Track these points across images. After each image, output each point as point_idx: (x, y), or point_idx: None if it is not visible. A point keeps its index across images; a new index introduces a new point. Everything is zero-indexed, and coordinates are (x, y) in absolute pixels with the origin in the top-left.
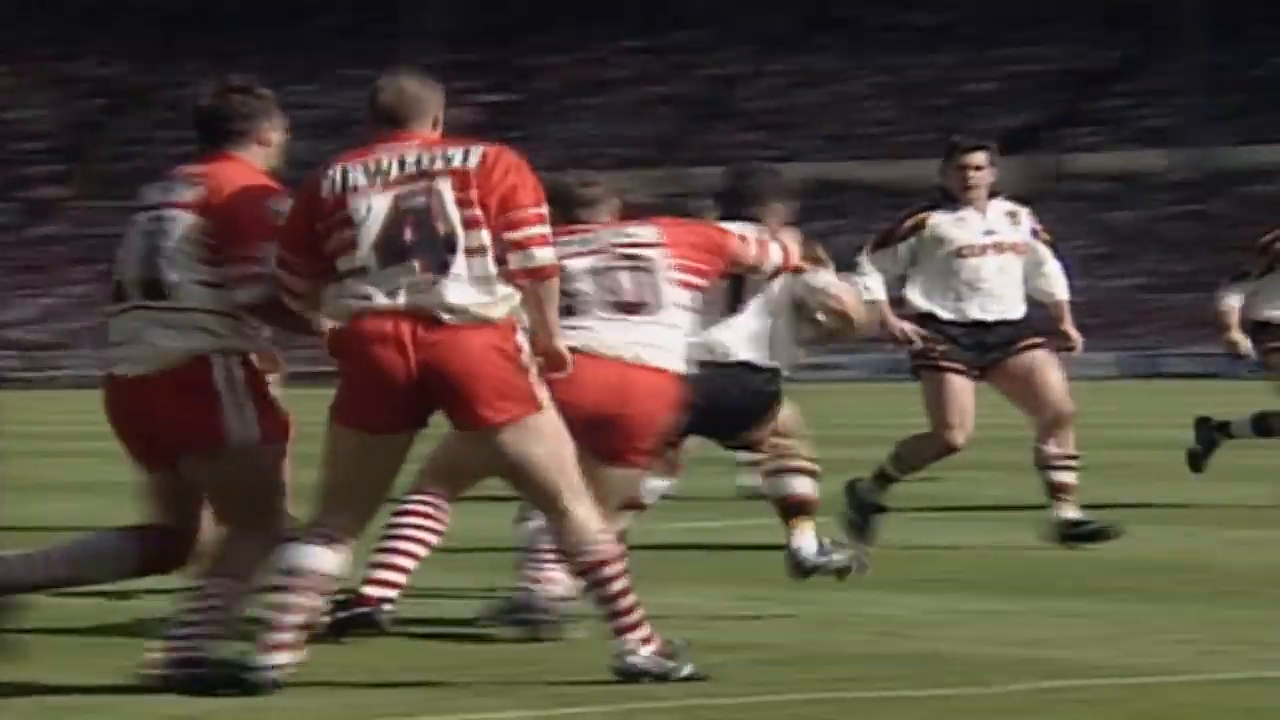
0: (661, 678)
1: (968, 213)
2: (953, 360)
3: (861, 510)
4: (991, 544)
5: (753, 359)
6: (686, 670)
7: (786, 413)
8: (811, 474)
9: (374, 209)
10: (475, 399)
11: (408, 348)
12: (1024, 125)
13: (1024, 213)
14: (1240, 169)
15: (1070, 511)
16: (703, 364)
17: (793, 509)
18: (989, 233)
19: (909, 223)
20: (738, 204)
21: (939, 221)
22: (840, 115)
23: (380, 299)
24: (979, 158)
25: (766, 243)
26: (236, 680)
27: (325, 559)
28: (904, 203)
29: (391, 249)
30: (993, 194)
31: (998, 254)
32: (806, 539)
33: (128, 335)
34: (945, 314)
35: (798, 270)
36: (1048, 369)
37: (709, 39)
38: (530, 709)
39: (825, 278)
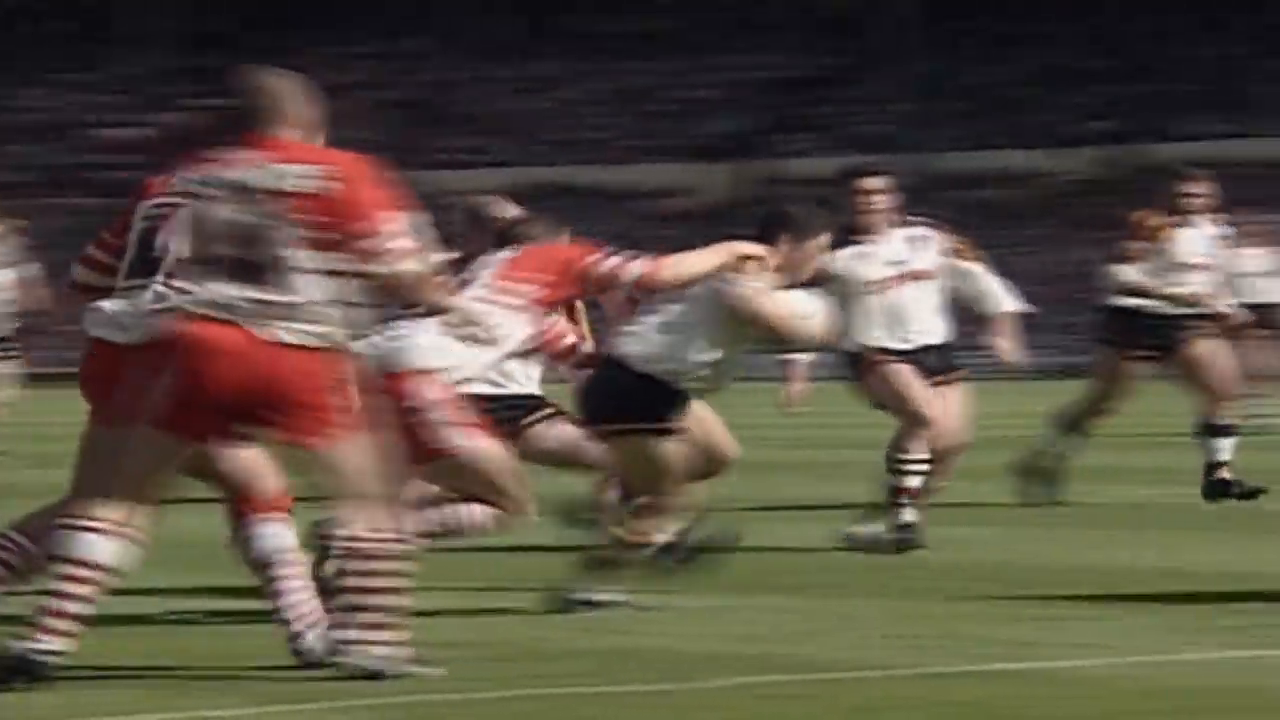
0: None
1: (869, 245)
2: (891, 357)
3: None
4: None
5: (632, 361)
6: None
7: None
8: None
9: (208, 220)
10: (286, 422)
11: (228, 363)
12: (742, 131)
13: (932, 237)
14: (955, 175)
15: (909, 515)
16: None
17: (603, 565)
18: (894, 262)
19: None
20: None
21: (840, 260)
22: (562, 121)
23: (205, 310)
24: (875, 183)
25: (626, 261)
26: (17, 667)
27: (110, 552)
28: (626, 207)
29: (212, 262)
30: (899, 223)
31: (905, 283)
32: (608, 593)
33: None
34: (870, 345)
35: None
36: (952, 402)
37: (431, 45)
38: (248, 706)
39: (749, 291)
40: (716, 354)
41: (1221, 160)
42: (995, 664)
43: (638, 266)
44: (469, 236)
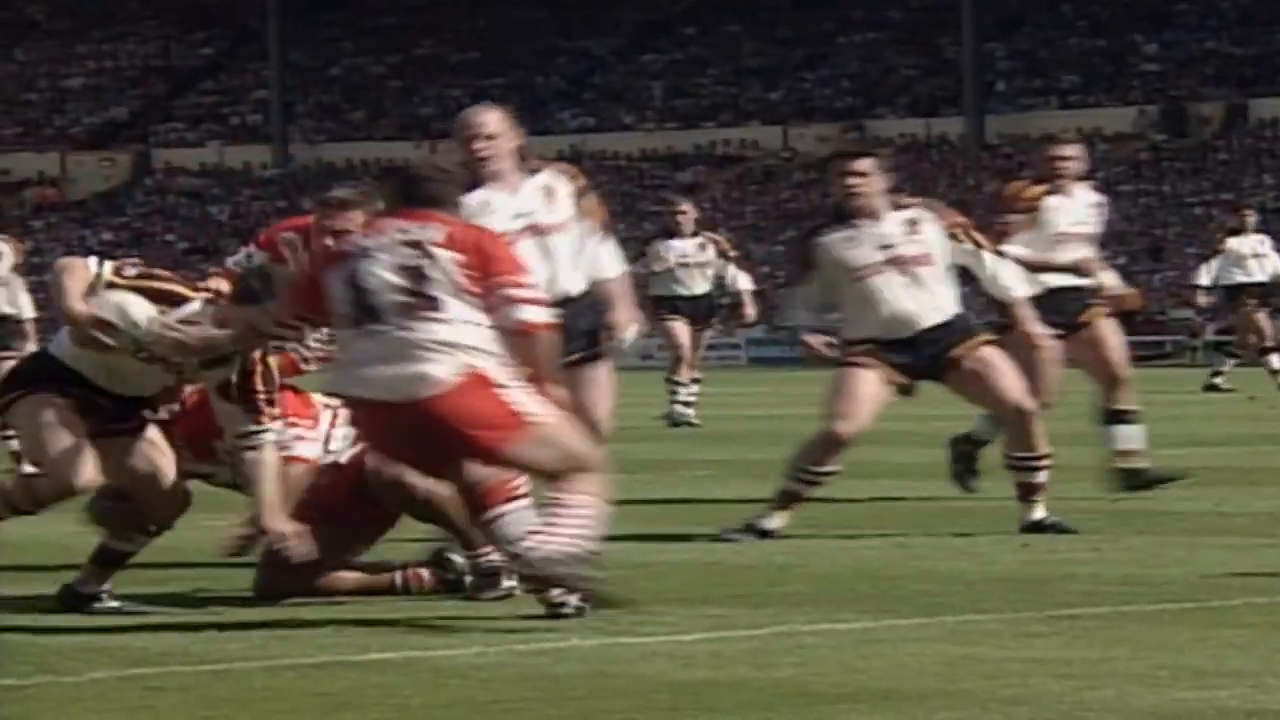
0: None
1: (860, 229)
2: (875, 360)
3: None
4: None
5: None
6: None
7: None
8: None
9: None
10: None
11: None
12: (113, 120)
13: (928, 218)
14: (323, 166)
15: (1038, 513)
16: None
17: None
18: (885, 247)
19: (805, 248)
20: None
21: (829, 243)
22: None
23: None
24: (862, 164)
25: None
26: None
27: None
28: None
29: None
30: (898, 205)
31: (897, 269)
32: None
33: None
34: (862, 334)
35: None
36: (996, 369)
37: None
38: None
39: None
40: None
41: (586, 153)
42: (370, 654)
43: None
44: None
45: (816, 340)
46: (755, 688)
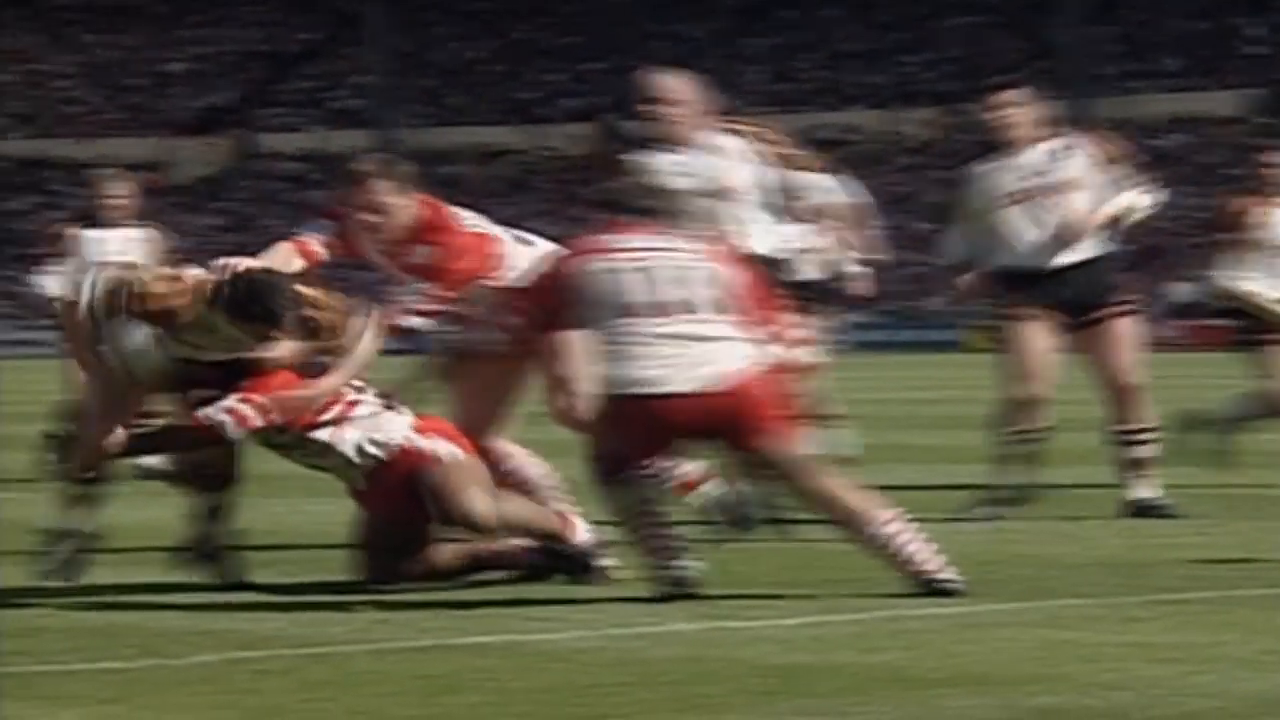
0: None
1: (1007, 159)
2: (1028, 308)
3: None
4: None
5: None
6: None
7: None
8: None
9: None
10: None
11: None
12: (215, 105)
13: (1078, 145)
14: (427, 150)
15: (1143, 490)
16: None
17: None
18: (1029, 176)
19: (958, 181)
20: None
21: (977, 174)
22: (32, 93)
23: None
24: (1009, 96)
25: None
26: None
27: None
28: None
29: None
30: (1043, 137)
31: (1041, 198)
32: None
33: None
34: (1003, 263)
35: None
36: (1120, 338)
37: None
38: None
39: None
40: None
41: None
42: (471, 637)
43: None
44: None
45: (965, 281)
46: (853, 672)
